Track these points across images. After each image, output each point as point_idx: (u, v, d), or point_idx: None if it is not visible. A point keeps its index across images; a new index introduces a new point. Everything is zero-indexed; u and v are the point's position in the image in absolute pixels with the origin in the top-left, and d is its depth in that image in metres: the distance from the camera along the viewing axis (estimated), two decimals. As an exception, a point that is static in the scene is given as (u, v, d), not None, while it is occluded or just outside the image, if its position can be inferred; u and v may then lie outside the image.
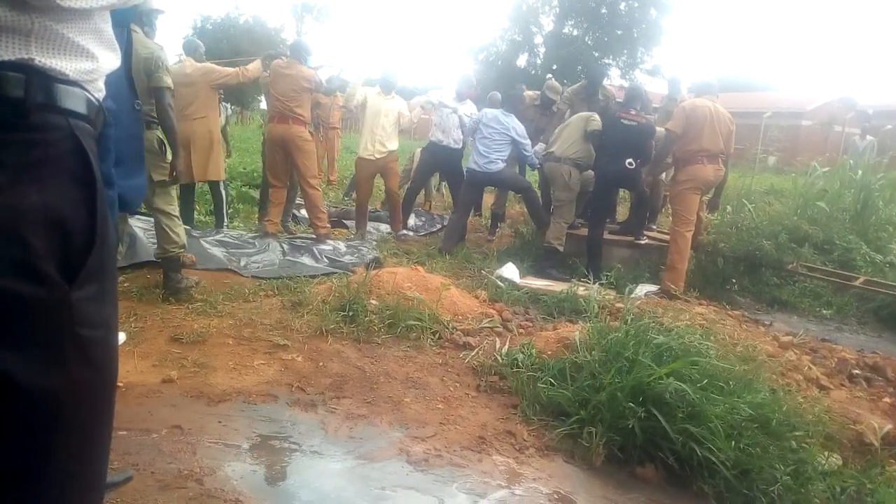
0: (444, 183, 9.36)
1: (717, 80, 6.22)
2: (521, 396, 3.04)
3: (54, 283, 0.85)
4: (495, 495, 2.31)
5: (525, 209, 7.02)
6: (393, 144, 6.65)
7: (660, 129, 5.81)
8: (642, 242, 6.16)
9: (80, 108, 0.93)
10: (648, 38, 29.84)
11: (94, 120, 0.97)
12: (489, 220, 7.75)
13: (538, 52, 31.68)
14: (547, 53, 30.50)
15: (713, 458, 2.39)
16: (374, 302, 3.94)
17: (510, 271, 5.27)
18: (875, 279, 5.52)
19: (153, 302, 3.97)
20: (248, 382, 2.98)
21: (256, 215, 6.82)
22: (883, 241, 6.57)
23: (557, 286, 5.00)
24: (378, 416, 2.78)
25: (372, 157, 6.58)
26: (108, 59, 1.00)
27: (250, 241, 5.62)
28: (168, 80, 3.83)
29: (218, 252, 5.18)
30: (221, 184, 6.25)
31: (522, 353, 3.35)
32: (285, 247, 5.59)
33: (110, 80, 1.07)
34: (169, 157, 3.97)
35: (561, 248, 5.82)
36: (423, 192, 8.86)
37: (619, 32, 29.59)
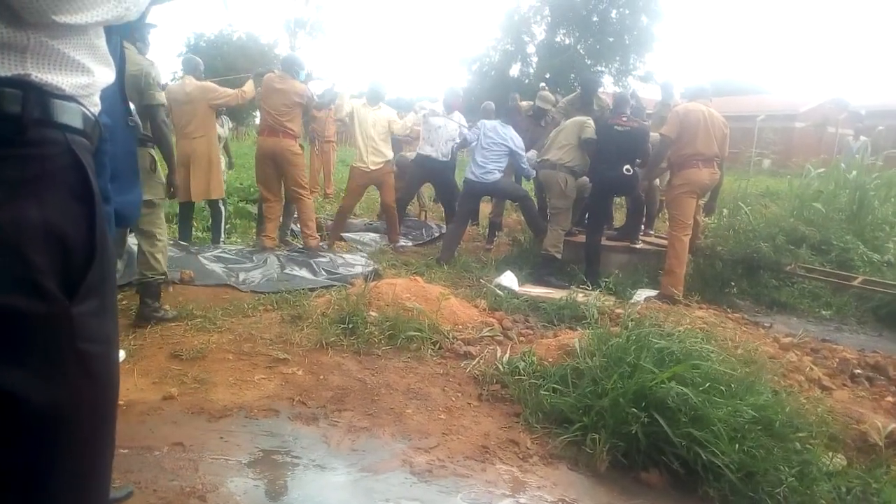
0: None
1: (710, 84, 6.26)
2: (523, 404, 3.03)
3: (55, 299, 0.85)
4: (500, 504, 2.30)
5: (522, 218, 7.04)
6: (388, 154, 6.65)
7: (654, 135, 5.84)
8: (638, 246, 6.17)
9: (77, 123, 0.93)
10: (640, 45, 30.06)
11: (91, 134, 0.98)
12: (487, 230, 7.75)
13: (531, 62, 31.87)
14: (539, 62, 30.68)
15: (717, 462, 2.38)
16: (373, 314, 3.94)
17: (509, 280, 5.27)
18: (873, 278, 5.53)
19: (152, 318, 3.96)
20: (249, 397, 2.97)
21: (254, 230, 6.82)
22: (880, 240, 6.59)
23: (557, 293, 5.00)
24: (380, 428, 2.77)
25: (367, 168, 6.55)
26: (104, 74, 1.00)
27: (248, 256, 5.62)
28: (161, 97, 3.79)
29: (216, 268, 5.18)
30: (220, 201, 6.25)
31: (523, 360, 3.35)
32: (283, 261, 5.59)
33: (105, 95, 1.08)
34: (163, 175, 3.96)
35: (559, 256, 5.83)
36: (417, 202, 8.88)
37: (610, 40, 29.81)
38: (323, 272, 5.45)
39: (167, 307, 4.04)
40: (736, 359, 3.26)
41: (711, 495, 2.38)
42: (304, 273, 5.39)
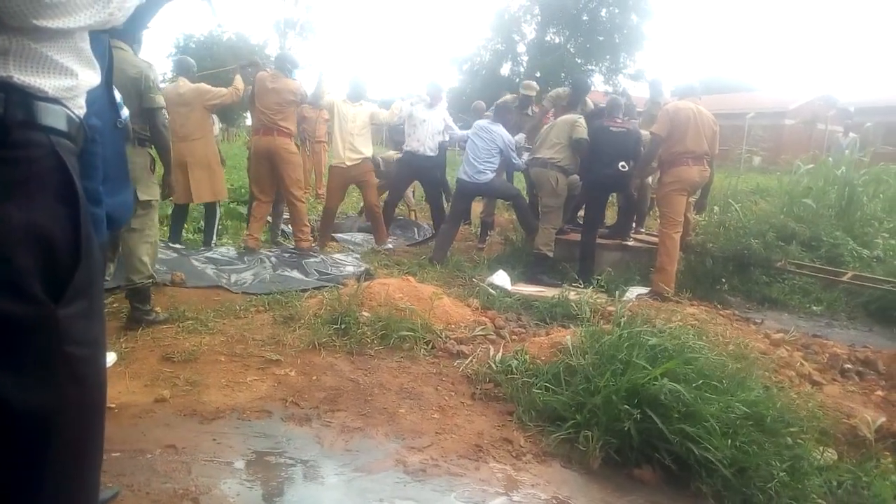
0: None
1: (700, 82, 6.32)
2: (516, 403, 3.03)
3: (40, 302, 0.85)
4: (494, 503, 2.30)
5: (514, 217, 7.04)
6: (365, 150, 6.51)
7: (644, 131, 5.86)
8: (630, 244, 6.20)
9: (61, 125, 0.93)
10: (630, 44, 30.16)
11: (76, 136, 0.97)
12: (479, 229, 7.75)
13: (521, 61, 31.93)
14: (530, 62, 30.72)
15: (710, 458, 2.39)
16: (365, 314, 3.93)
17: (501, 278, 5.28)
18: (863, 274, 5.57)
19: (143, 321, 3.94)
20: (241, 399, 2.96)
21: (245, 232, 6.80)
22: (869, 235, 6.64)
23: (549, 292, 5.01)
24: (373, 428, 2.77)
25: (343, 165, 6.44)
26: (88, 76, 1.00)
27: (239, 257, 5.61)
28: (160, 100, 3.77)
29: (208, 269, 5.16)
30: (217, 203, 6.21)
31: (516, 359, 3.35)
32: (275, 262, 5.58)
33: (93, 97, 1.07)
34: (159, 176, 3.94)
35: (551, 254, 5.84)
36: (404, 203, 8.84)
37: (600, 39, 29.90)
38: (314, 273, 5.45)
39: (158, 309, 4.02)
40: (727, 355, 3.28)
41: (704, 491, 2.38)
42: (295, 274, 5.39)
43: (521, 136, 6.62)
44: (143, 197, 3.71)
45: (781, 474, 2.37)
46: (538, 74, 27.56)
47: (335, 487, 2.32)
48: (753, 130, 16.20)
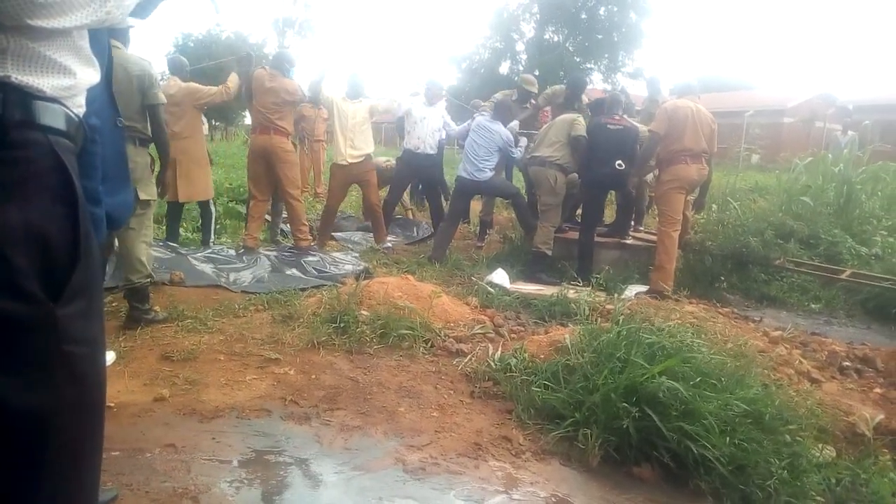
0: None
1: (699, 80, 6.33)
2: (515, 401, 3.03)
3: (38, 301, 0.85)
4: (493, 501, 2.30)
5: (513, 215, 7.04)
6: (366, 146, 6.47)
7: (643, 128, 5.87)
8: (629, 242, 6.20)
9: (60, 125, 0.93)
10: (629, 42, 30.15)
11: (74, 136, 0.97)
12: (478, 228, 7.76)
13: (520, 59, 31.92)
14: (529, 60, 30.71)
15: (708, 455, 2.39)
16: (365, 312, 3.93)
17: (500, 277, 5.28)
18: (861, 271, 5.58)
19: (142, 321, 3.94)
20: (240, 398, 2.96)
21: (243, 231, 6.79)
22: (867, 233, 6.65)
23: (548, 290, 5.02)
24: (373, 427, 2.77)
25: (345, 162, 6.39)
26: (88, 75, 1.00)
27: (238, 256, 5.61)
28: (162, 97, 3.86)
29: (206, 268, 5.16)
30: (210, 201, 6.21)
31: (515, 357, 3.35)
32: (274, 261, 5.58)
33: (92, 96, 1.07)
34: (154, 175, 3.95)
35: (549, 252, 5.84)
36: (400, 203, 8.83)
37: (599, 37, 29.88)
38: (313, 272, 5.45)
39: (157, 309, 4.02)
40: (726, 353, 3.28)
41: (703, 488, 2.39)
42: (294, 273, 5.39)
43: (514, 124, 6.63)
44: (142, 196, 3.74)
45: (780, 472, 2.38)
46: (537, 73, 27.54)
47: (334, 486, 2.32)
48: (752, 128, 16.22)
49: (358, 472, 2.41)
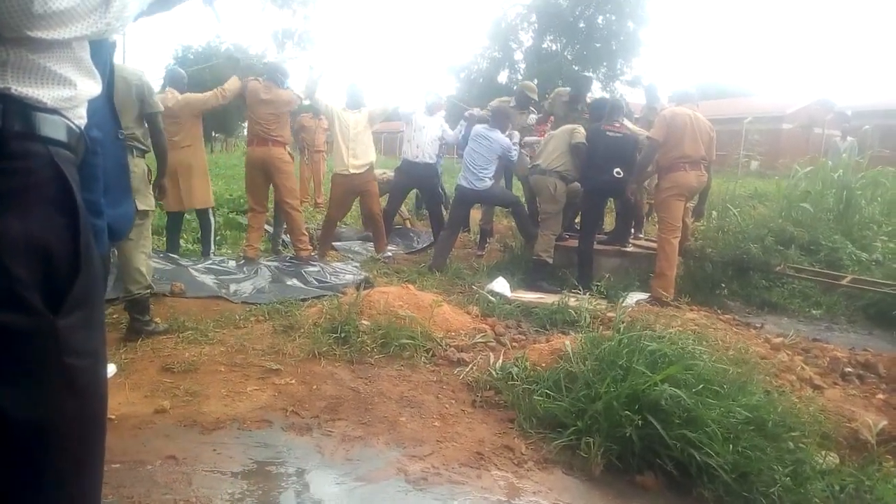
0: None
1: (697, 87, 6.34)
2: (517, 410, 3.02)
3: (39, 313, 0.85)
4: (496, 511, 2.29)
5: (513, 224, 7.04)
6: (368, 156, 6.48)
7: (642, 132, 5.88)
8: (629, 250, 6.20)
9: (60, 136, 0.93)
10: (627, 50, 30.19)
11: (75, 147, 0.97)
12: (478, 236, 7.75)
13: (519, 68, 31.97)
14: (527, 69, 30.76)
15: (712, 463, 2.38)
16: (365, 322, 3.93)
17: (501, 285, 5.28)
18: (862, 277, 5.57)
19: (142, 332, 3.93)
20: (241, 409, 2.95)
21: (244, 242, 6.79)
22: (867, 239, 6.65)
23: (549, 298, 5.01)
24: (374, 437, 2.76)
25: (346, 172, 6.40)
26: (88, 86, 1.00)
27: (239, 267, 5.61)
28: (160, 105, 3.94)
29: (207, 279, 5.16)
30: (210, 211, 6.22)
31: (517, 366, 3.35)
32: (274, 271, 5.58)
33: (94, 108, 1.08)
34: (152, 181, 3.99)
35: (550, 261, 5.84)
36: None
37: (597, 45, 29.93)
38: (314, 282, 5.45)
39: (158, 320, 4.02)
40: (728, 360, 3.27)
41: (706, 496, 2.38)
42: (295, 283, 5.39)
43: (518, 136, 6.66)
44: (140, 206, 3.76)
45: (784, 479, 2.37)
46: (536, 81, 27.58)
47: (336, 497, 2.31)
48: (750, 135, 16.22)
49: (360, 483, 2.40)
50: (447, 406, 3.13)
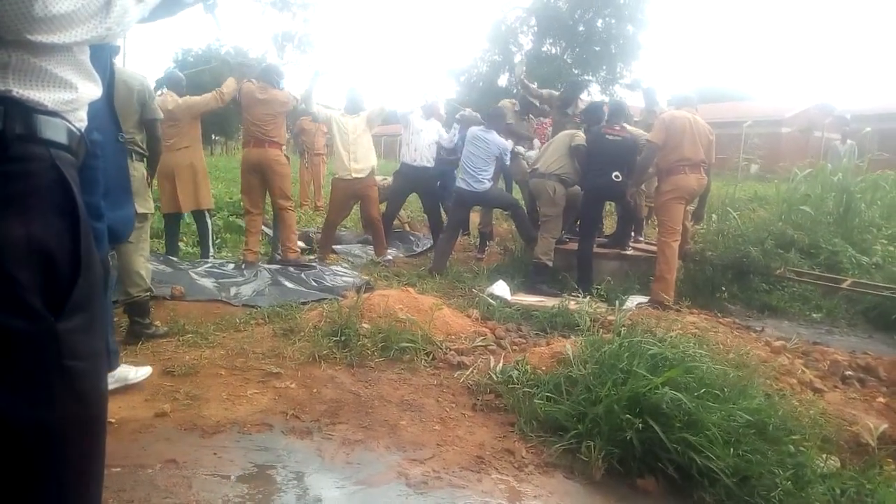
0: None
1: (697, 91, 6.38)
2: (517, 413, 3.02)
3: (40, 316, 0.85)
4: (496, 515, 2.29)
5: (513, 226, 7.05)
6: (369, 160, 6.49)
7: (642, 133, 5.89)
8: (629, 253, 6.20)
9: (61, 138, 0.93)
10: (626, 54, 30.29)
11: (76, 150, 0.97)
12: (478, 239, 7.76)
13: (524, 79, 32.02)
14: (527, 72, 30.80)
15: (712, 467, 2.38)
16: (366, 325, 3.93)
17: (501, 289, 5.27)
18: (862, 280, 5.57)
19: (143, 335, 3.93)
20: (242, 412, 2.95)
21: (243, 246, 6.79)
22: (867, 242, 6.65)
23: (549, 301, 5.01)
24: (374, 441, 2.76)
25: (348, 177, 6.41)
26: (89, 89, 1.00)
27: (239, 270, 5.60)
28: (160, 112, 3.95)
29: (207, 283, 5.16)
30: (207, 213, 6.22)
31: (517, 369, 3.34)
32: (274, 274, 5.57)
33: (94, 112, 1.08)
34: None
35: (550, 264, 5.84)
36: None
37: (597, 49, 30.02)
38: (314, 285, 5.44)
39: (158, 323, 4.01)
40: (728, 363, 3.27)
41: (707, 500, 2.38)
42: (295, 286, 5.38)
43: (522, 150, 6.68)
44: (139, 210, 3.74)
45: (784, 483, 2.36)
46: (535, 85, 27.66)
47: (337, 501, 2.31)
48: (750, 139, 16.24)
49: (360, 487, 2.39)
50: (447, 409, 3.13)
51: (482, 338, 4.08)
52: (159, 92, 5.73)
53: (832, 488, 2.46)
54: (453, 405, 3.18)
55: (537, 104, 7.32)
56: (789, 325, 5.21)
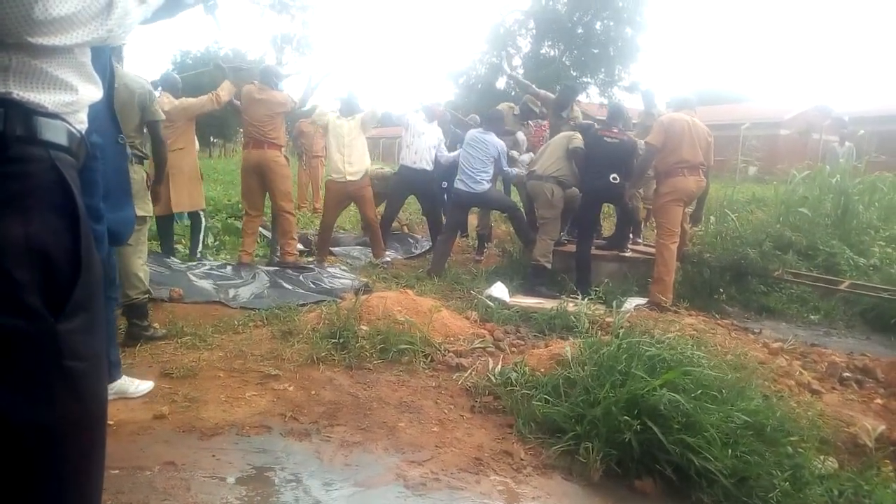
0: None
1: (695, 93, 6.37)
2: (516, 415, 3.02)
3: (39, 316, 0.85)
4: (495, 516, 2.29)
5: (511, 228, 7.05)
6: (363, 163, 6.51)
7: (640, 141, 5.91)
8: (627, 255, 6.21)
9: (61, 140, 0.94)
10: (625, 56, 30.33)
11: (76, 151, 0.98)
12: (476, 241, 7.76)
13: (517, 74, 32.04)
14: (526, 75, 30.78)
15: (710, 468, 2.38)
16: (364, 328, 3.93)
17: (499, 290, 5.28)
18: (860, 282, 5.58)
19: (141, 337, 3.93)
20: (240, 414, 2.95)
21: (240, 247, 6.78)
22: (865, 244, 6.67)
23: (547, 303, 5.01)
24: (373, 443, 2.76)
25: (343, 179, 6.43)
26: (89, 91, 1.00)
27: (237, 272, 5.60)
28: (161, 113, 3.96)
29: (205, 285, 5.16)
30: (200, 213, 6.21)
31: (515, 371, 3.34)
32: (272, 276, 5.57)
33: (94, 113, 1.08)
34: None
35: (548, 266, 5.84)
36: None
37: (595, 51, 30.06)
38: (312, 287, 5.44)
39: (156, 325, 4.02)
40: (726, 365, 3.28)
41: (705, 501, 2.38)
42: (293, 288, 5.38)
43: (525, 157, 6.70)
44: (139, 213, 3.74)
45: (782, 484, 2.37)
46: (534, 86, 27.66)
47: (335, 502, 2.31)
48: (748, 141, 16.27)
49: (359, 489, 2.39)
50: (446, 411, 3.13)
51: (481, 340, 4.08)
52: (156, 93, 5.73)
53: (830, 489, 2.47)
54: (452, 407, 3.19)
55: (536, 110, 7.33)
56: (787, 327, 5.22)
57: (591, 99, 29.53)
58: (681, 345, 3.27)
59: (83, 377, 0.92)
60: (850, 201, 7.31)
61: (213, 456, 2.56)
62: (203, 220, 6.30)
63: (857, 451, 2.89)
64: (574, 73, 29.80)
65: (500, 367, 3.50)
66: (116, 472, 2.33)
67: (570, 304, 4.75)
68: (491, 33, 31.92)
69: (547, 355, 3.55)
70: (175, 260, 5.80)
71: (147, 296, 3.90)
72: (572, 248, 6.13)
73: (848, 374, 3.83)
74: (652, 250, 5.94)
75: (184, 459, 2.50)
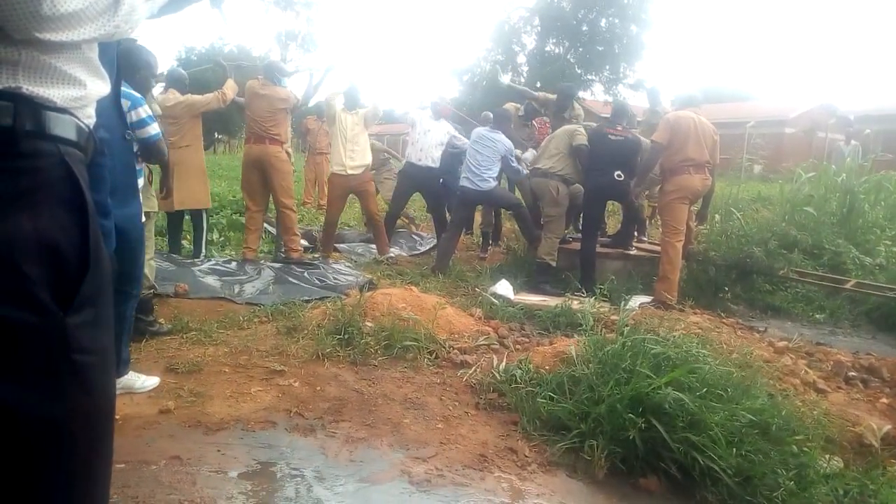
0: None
1: (700, 91, 6.35)
2: (520, 412, 3.02)
3: (49, 310, 0.86)
4: (499, 513, 2.29)
5: (516, 226, 7.05)
6: (365, 158, 6.55)
7: (645, 139, 5.89)
8: (632, 253, 6.20)
9: (70, 135, 0.94)
10: (630, 54, 30.22)
11: (85, 146, 0.98)
12: (480, 239, 7.76)
13: (521, 71, 32.02)
14: (530, 72, 30.80)
15: (715, 467, 2.38)
16: (369, 324, 3.93)
17: (504, 288, 5.28)
18: (865, 281, 5.57)
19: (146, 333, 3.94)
20: (245, 410, 2.96)
21: (243, 243, 6.79)
22: (871, 243, 6.64)
23: (552, 301, 5.01)
24: (378, 439, 2.76)
25: (344, 173, 6.46)
26: (97, 86, 1.01)
27: (242, 268, 5.61)
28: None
29: (211, 280, 5.17)
30: (203, 213, 6.22)
31: (520, 368, 3.35)
32: (277, 272, 5.58)
33: (101, 109, 1.08)
34: (154, 188, 4.00)
35: (553, 263, 5.84)
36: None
37: (600, 49, 29.97)
38: (317, 283, 5.45)
39: (162, 321, 4.03)
40: (731, 363, 3.27)
41: (710, 500, 2.38)
42: (298, 284, 5.39)
43: (528, 155, 6.69)
44: (144, 208, 3.76)
45: (787, 483, 2.37)
46: (539, 85, 27.62)
47: (339, 498, 2.31)
48: (753, 139, 16.18)
49: (363, 485, 2.40)
50: (451, 408, 3.13)
51: (485, 337, 4.09)
52: (162, 93, 5.73)
53: (835, 489, 2.47)
54: (456, 404, 3.19)
55: (541, 110, 7.34)
56: (792, 326, 5.21)
57: (595, 96, 29.48)
58: (686, 343, 3.26)
59: (91, 371, 0.92)
60: (856, 200, 7.28)
61: (219, 451, 2.56)
62: (205, 221, 6.30)
63: (863, 451, 2.89)
64: (579, 71, 29.74)
65: (504, 364, 3.51)
66: (122, 466, 2.34)
67: (575, 302, 4.75)
68: (496, 30, 31.86)
69: (551, 353, 3.55)
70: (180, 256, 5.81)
71: (152, 291, 3.92)
72: (577, 245, 6.13)
73: (853, 374, 3.82)
74: (657, 248, 5.93)
75: (189, 454, 2.51)
